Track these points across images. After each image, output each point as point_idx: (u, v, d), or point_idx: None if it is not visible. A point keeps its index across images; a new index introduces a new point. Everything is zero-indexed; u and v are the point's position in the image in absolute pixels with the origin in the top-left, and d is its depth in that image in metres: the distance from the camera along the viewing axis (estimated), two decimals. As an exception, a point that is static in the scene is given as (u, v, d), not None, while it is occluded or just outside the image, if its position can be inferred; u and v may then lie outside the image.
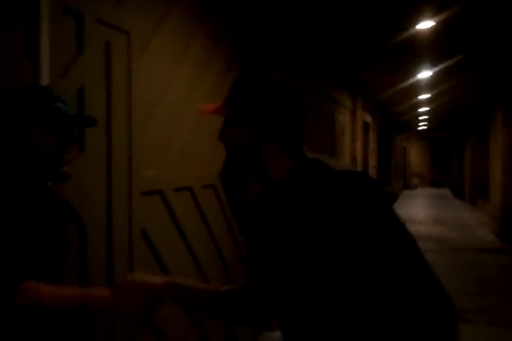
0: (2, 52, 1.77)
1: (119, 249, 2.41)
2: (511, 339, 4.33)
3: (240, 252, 3.87)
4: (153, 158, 2.74)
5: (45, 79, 1.90)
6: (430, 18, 5.30)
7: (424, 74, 8.71)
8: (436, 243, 8.95)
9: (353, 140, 9.18)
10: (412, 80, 9.39)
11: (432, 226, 11.08)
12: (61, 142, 1.46)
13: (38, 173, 1.46)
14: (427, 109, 14.93)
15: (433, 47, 6.72)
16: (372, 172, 11.91)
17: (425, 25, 5.55)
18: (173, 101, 2.95)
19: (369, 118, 11.65)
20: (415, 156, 28.57)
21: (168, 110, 2.90)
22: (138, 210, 2.55)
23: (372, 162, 12.31)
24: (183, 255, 3.10)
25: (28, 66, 1.87)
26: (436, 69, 8.14)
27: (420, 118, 18.48)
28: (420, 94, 11.64)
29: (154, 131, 2.75)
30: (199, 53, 3.28)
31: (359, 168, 8.91)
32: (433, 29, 5.70)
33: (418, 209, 15.21)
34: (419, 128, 24.28)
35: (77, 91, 2.11)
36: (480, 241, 9.53)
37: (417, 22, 5.46)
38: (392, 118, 17.39)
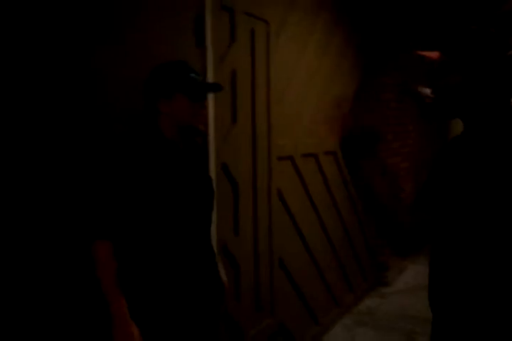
0: (180, 43, 2.26)
1: (261, 203, 2.90)
2: None
3: (355, 210, 4.27)
4: (286, 128, 3.18)
5: (210, 64, 2.38)
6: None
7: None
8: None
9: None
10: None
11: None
12: (195, 104, 1.73)
13: (183, 131, 1.75)
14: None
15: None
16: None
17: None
18: (301, 79, 3.36)
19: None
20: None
21: (297, 85, 3.32)
22: (274, 172, 3.02)
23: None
24: (310, 214, 3.55)
25: (198, 54, 2.35)
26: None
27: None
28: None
29: (287, 105, 3.19)
30: (321, 36, 3.63)
31: None
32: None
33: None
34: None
35: (231, 73, 2.59)
36: None
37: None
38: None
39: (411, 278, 4.96)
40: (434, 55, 1.57)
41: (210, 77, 2.42)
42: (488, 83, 1.46)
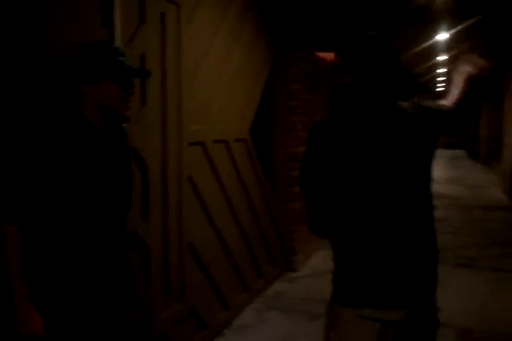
0: (86, 23, 2.19)
1: (172, 189, 2.88)
2: (506, 281, 4.81)
3: (265, 196, 4.35)
4: (197, 114, 3.17)
5: (117, 44, 2.32)
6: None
7: (442, 36, 8.95)
8: (448, 200, 9.34)
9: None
10: (429, 42, 9.65)
11: (445, 185, 11.43)
12: (123, 90, 1.68)
13: (107, 116, 1.68)
14: (445, 70, 15.06)
15: (450, 10, 6.95)
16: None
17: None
18: (212, 66, 3.36)
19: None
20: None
21: (208, 72, 3.31)
22: (185, 158, 3.01)
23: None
24: (221, 200, 3.58)
25: (105, 34, 2.29)
26: (453, 31, 8.42)
27: (439, 79, 18.64)
28: (438, 56, 11.88)
29: (198, 91, 3.18)
30: (233, 24, 3.65)
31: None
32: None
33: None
34: (438, 89, 24.26)
35: (140, 55, 2.54)
36: (490, 199, 9.91)
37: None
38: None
39: (319, 262, 5.14)
40: (330, 56, 1.69)
41: (119, 58, 2.36)
42: (378, 83, 1.57)
